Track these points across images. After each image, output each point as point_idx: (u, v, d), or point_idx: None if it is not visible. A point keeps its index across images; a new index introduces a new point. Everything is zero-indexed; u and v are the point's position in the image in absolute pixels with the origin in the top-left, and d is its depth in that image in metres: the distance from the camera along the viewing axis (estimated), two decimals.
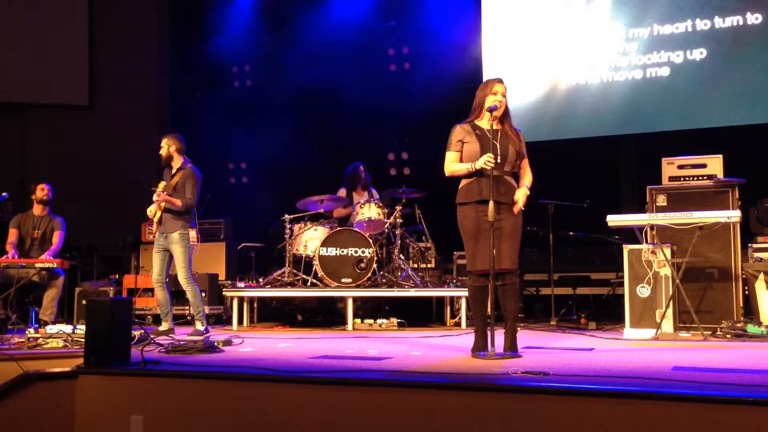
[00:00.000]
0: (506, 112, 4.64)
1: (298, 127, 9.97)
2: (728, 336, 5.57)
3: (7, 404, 3.84)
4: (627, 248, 6.00)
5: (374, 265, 7.31)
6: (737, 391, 3.04)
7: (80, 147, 10.59)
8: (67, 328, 5.27)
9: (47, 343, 5.06)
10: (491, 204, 4.35)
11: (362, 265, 7.30)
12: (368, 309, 8.38)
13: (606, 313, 7.56)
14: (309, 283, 7.54)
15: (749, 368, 3.89)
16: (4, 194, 6.85)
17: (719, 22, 8.28)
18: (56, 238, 7.29)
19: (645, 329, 5.78)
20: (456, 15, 9.63)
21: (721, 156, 6.46)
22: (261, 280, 7.99)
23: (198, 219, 6.63)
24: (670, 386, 3.21)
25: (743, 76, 8.11)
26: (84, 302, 7.07)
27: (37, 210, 7.34)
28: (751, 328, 5.53)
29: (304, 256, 7.65)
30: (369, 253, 7.30)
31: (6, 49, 10.61)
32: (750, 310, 6.05)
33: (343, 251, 7.35)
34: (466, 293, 6.61)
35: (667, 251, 5.77)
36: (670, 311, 5.75)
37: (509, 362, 4.20)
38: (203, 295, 7.04)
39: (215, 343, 5.07)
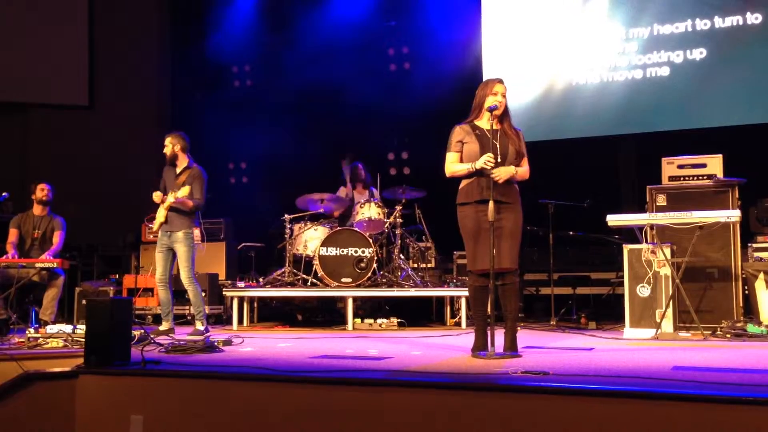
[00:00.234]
0: (506, 111, 4.64)
1: (298, 126, 9.97)
2: (728, 336, 5.57)
3: (7, 404, 3.84)
4: (627, 248, 5.99)
5: (374, 265, 7.31)
6: (737, 391, 3.03)
7: (80, 147, 10.59)
8: (67, 328, 5.27)
9: (47, 343, 5.06)
10: (491, 204, 4.36)
11: (362, 264, 7.30)
12: (368, 309, 8.38)
13: (606, 312, 7.57)
14: (309, 283, 7.54)
15: (749, 368, 3.89)
16: (4, 194, 6.83)
17: (719, 22, 8.29)
18: (56, 238, 7.28)
19: (645, 329, 5.77)
20: (456, 15, 9.64)
21: (720, 156, 6.45)
22: (261, 279, 8.00)
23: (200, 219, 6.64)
24: (670, 386, 3.21)
25: (743, 75, 8.12)
26: (84, 302, 7.06)
27: (37, 210, 7.33)
28: (751, 328, 5.53)
29: (304, 255, 7.66)
30: (369, 252, 7.30)
31: (6, 49, 10.61)
32: (750, 310, 6.05)
33: (343, 251, 7.35)
34: (466, 293, 6.62)
35: (667, 251, 5.77)
36: (670, 311, 5.74)
37: (509, 362, 4.20)
38: (203, 294, 7.04)
39: (215, 343, 5.07)
